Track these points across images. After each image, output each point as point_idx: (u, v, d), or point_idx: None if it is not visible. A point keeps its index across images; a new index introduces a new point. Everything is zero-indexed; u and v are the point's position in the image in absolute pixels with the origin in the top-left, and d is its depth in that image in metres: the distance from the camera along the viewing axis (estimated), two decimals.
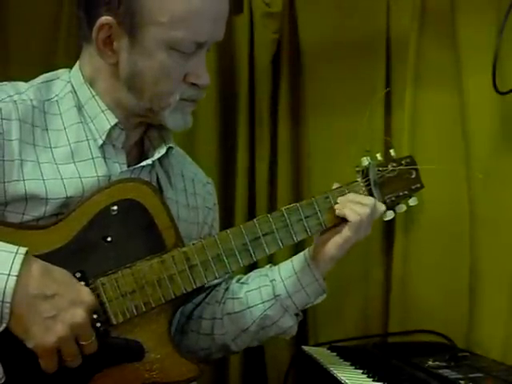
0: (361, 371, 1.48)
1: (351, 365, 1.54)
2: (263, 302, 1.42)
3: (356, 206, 1.36)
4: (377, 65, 1.84)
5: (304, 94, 1.89)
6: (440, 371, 1.41)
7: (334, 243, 1.38)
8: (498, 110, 1.71)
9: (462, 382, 1.33)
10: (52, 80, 1.33)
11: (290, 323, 1.43)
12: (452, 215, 1.77)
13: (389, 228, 1.81)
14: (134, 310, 1.21)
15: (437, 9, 1.77)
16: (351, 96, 1.83)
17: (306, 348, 1.73)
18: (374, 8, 1.83)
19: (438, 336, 1.74)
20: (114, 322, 1.21)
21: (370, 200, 1.38)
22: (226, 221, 1.67)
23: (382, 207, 1.41)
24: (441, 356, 1.53)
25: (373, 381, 1.40)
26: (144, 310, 1.22)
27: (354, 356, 1.59)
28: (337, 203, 1.38)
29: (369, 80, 1.83)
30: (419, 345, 1.73)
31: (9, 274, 1.08)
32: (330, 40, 1.87)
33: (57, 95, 1.30)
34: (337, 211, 1.37)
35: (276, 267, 1.46)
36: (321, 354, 1.66)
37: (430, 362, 1.48)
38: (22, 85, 1.29)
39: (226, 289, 1.48)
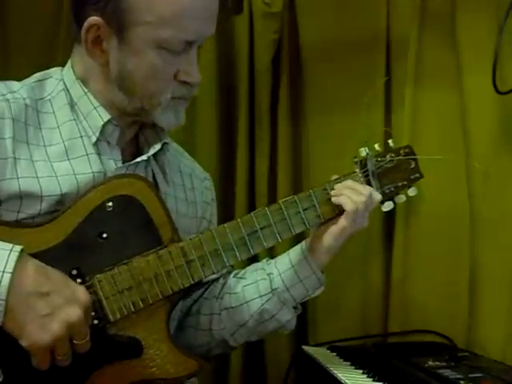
0: (361, 371, 1.47)
1: (351, 365, 1.53)
2: (260, 296, 1.42)
3: (352, 194, 1.36)
4: (377, 65, 1.84)
5: (304, 93, 1.89)
6: (440, 371, 1.40)
7: (331, 233, 1.37)
8: (497, 110, 1.71)
9: (461, 382, 1.32)
10: (45, 79, 1.32)
11: (288, 316, 1.43)
12: (452, 215, 1.76)
13: (388, 227, 1.81)
14: (132, 307, 1.21)
15: (437, 9, 1.77)
16: (351, 96, 1.82)
17: (305, 348, 1.72)
18: (374, 8, 1.83)
19: (438, 336, 1.74)
20: (112, 319, 1.20)
21: (366, 189, 1.38)
22: (226, 219, 1.66)
23: (378, 196, 1.41)
24: (441, 356, 1.53)
25: (373, 381, 1.40)
26: (141, 306, 1.22)
27: (354, 356, 1.59)
28: (333, 190, 1.37)
29: (369, 80, 1.82)
30: (419, 345, 1.73)
31: (3, 271, 1.07)
32: (330, 40, 1.87)
33: (49, 94, 1.30)
34: (333, 199, 1.37)
35: (272, 261, 1.46)
36: (321, 353, 1.65)
37: (430, 362, 1.48)
38: (15, 84, 1.29)
39: (224, 283, 1.48)
